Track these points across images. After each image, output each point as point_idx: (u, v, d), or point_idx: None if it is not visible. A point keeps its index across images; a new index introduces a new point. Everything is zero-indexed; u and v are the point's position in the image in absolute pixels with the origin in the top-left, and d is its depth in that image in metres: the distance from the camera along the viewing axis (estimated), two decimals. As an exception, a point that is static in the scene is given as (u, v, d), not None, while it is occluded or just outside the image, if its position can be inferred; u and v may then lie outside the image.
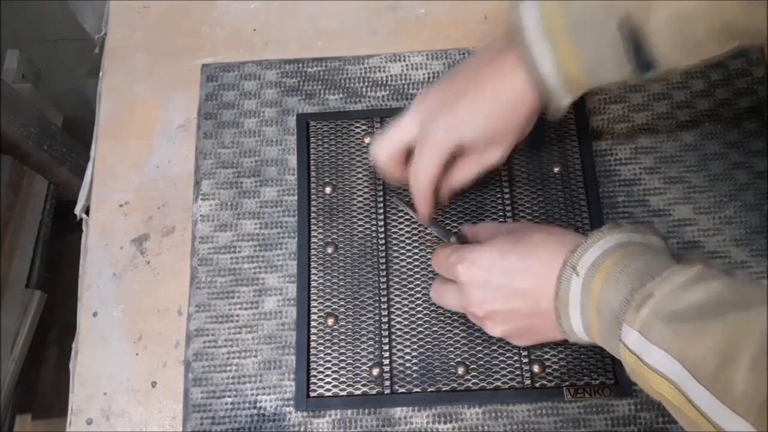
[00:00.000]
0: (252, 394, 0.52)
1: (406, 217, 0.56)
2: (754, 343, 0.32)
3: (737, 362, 0.32)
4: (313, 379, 0.52)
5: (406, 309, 0.53)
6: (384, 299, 0.53)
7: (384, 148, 0.49)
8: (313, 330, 0.53)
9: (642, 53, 0.40)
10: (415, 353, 0.52)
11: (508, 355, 0.51)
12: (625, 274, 0.38)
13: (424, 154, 0.47)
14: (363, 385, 0.52)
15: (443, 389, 0.51)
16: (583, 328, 0.41)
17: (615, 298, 0.38)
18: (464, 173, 0.49)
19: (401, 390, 0.51)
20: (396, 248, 0.55)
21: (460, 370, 0.51)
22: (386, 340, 0.52)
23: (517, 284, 0.43)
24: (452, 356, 0.52)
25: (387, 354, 0.52)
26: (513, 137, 0.47)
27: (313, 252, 0.55)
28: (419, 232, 0.55)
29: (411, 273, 0.54)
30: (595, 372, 0.51)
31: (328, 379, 0.52)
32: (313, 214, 0.56)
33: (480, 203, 0.55)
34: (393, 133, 0.48)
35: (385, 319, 0.53)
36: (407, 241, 0.55)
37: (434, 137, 0.46)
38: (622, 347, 0.37)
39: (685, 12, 0.39)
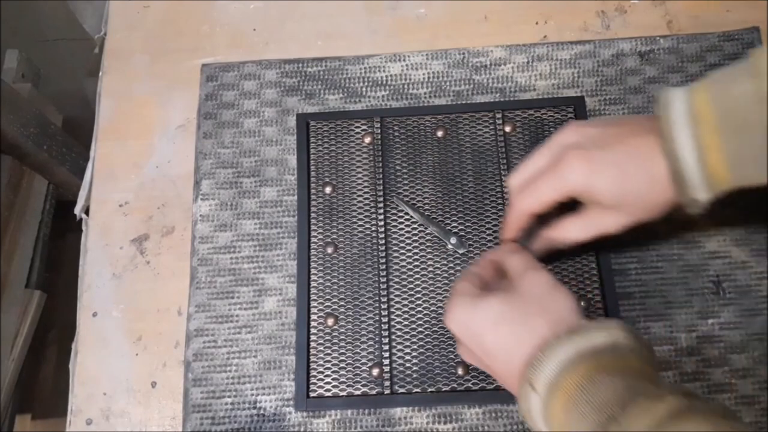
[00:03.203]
0: (252, 394, 0.52)
1: (406, 217, 0.56)
2: None
3: None
4: (313, 380, 0.52)
5: (406, 309, 0.53)
6: (384, 299, 0.53)
7: (517, 176, 0.46)
8: (313, 330, 0.53)
9: None
10: (415, 353, 0.52)
11: (508, 355, 0.51)
12: (589, 406, 0.35)
13: (542, 181, 0.44)
14: (363, 386, 0.51)
15: (443, 389, 0.51)
16: None
17: None
18: (573, 231, 0.46)
19: (401, 390, 0.51)
20: (396, 248, 0.55)
21: (460, 370, 0.51)
22: (386, 340, 0.52)
23: (488, 363, 0.42)
24: (452, 356, 0.52)
25: (387, 354, 0.52)
26: (644, 211, 0.43)
27: (313, 252, 0.55)
28: (419, 232, 0.55)
29: (411, 273, 0.54)
30: (595, 372, 0.51)
31: (328, 380, 0.52)
32: (313, 214, 0.56)
33: (480, 202, 0.55)
34: (527, 163, 0.46)
35: (385, 319, 0.53)
36: (407, 241, 0.55)
37: (562, 171, 0.43)
38: None
39: None
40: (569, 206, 0.46)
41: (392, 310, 0.53)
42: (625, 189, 0.42)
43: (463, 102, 0.59)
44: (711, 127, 0.39)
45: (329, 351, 0.52)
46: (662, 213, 0.44)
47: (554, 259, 0.53)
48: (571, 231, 0.46)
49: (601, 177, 0.42)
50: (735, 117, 0.38)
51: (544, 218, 0.47)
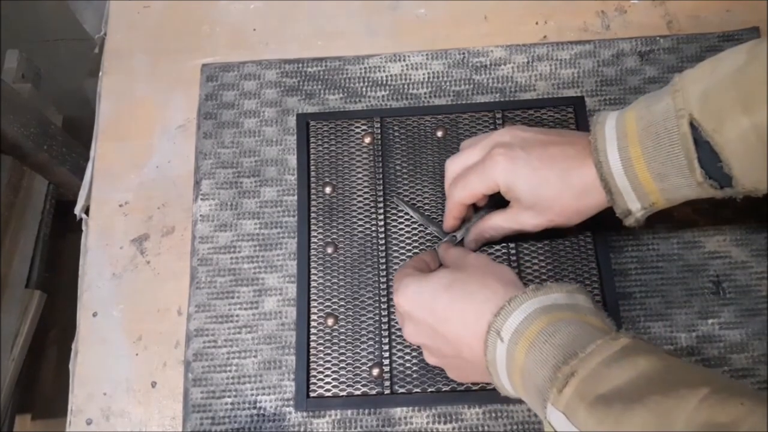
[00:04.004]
0: (252, 395, 0.52)
1: (406, 217, 0.56)
2: None
3: None
4: (313, 380, 0.52)
5: (406, 309, 0.53)
6: (384, 299, 0.53)
7: (453, 165, 0.50)
8: (313, 330, 0.53)
9: (715, 167, 0.40)
10: (415, 353, 0.52)
11: (508, 355, 0.51)
12: (549, 346, 0.38)
13: (470, 176, 0.48)
14: (363, 386, 0.51)
15: (443, 389, 0.51)
16: (512, 389, 0.41)
17: (539, 372, 0.38)
18: (496, 223, 0.49)
19: (401, 390, 0.51)
20: (396, 248, 0.55)
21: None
22: (386, 340, 0.52)
23: (442, 329, 0.43)
24: (452, 356, 0.52)
25: (387, 354, 0.52)
26: (557, 215, 0.46)
27: (313, 252, 0.55)
28: (419, 232, 0.55)
29: (411, 273, 0.54)
30: (595, 372, 0.51)
31: (328, 380, 0.52)
32: (313, 214, 0.56)
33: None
34: (464, 154, 0.49)
35: (385, 319, 0.53)
36: (407, 241, 0.55)
37: (487, 166, 0.47)
38: (548, 425, 0.37)
39: (763, 128, 0.37)
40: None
41: (392, 310, 0.53)
42: (538, 190, 0.46)
43: (463, 102, 0.59)
44: (634, 140, 0.42)
45: (329, 351, 0.52)
46: (580, 220, 0.47)
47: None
48: (494, 223, 0.50)
49: (518, 176, 0.46)
50: (654, 129, 0.41)
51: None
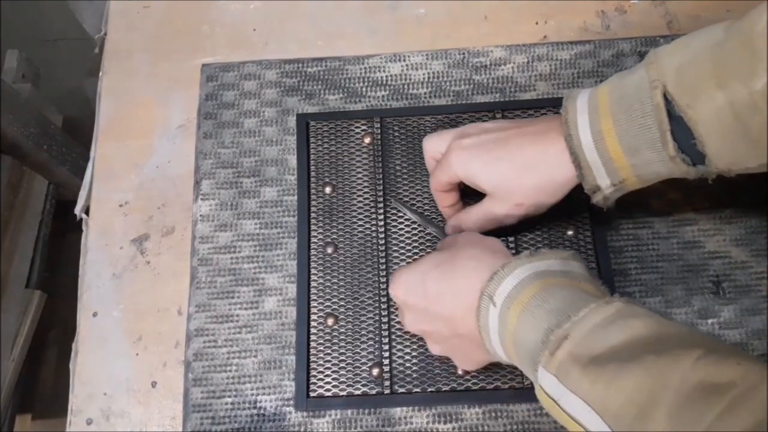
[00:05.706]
0: (252, 394, 0.52)
1: (406, 217, 0.56)
2: (670, 394, 0.31)
3: (654, 415, 0.31)
4: (313, 379, 0.52)
5: (406, 309, 0.53)
6: (384, 299, 0.53)
7: (427, 146, 0.51)
8: (313, 330, 0.53)
9: (688, 144, 0.39)
10: (415, 353, 0.52)
11: (508, 355, 0.51)
12: (542, 310, 0.37)
13: (436, 169, 0.50)
14: (363, 385, 0.52)
15: (443, 389, 0.51)
16: (505, 356, 0.41)
17: (531, 336, 0.37)
18: (472, 214, 0.49)
19: (401, 390, 0.51)
20: (396, 248, 0.55)
21: (460, 370, 0.51)
22: (386, 340, 0.52)
23: (436, 309, 0.43)
24: (452, 356, 0.52)
25: (387, 354, 0.52)
26: (522, 198, 0.46)
27: (313, 252, 0.55)
28: (419, 232, 0.55)
29: (411, 273, 0.54)
30: (595, 372, 0.51)
31: (328, 379, 0.52)
32: (313, 214, 0.56)
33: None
34: (436, 139, 0.50)
35: (385, 319, 0.53)
36: (407, 241, 0.55)
37: (444, 162, 0.48)
38: (539, 389, 0.37)
39: (739, 104, 0.37)
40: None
41: (392, 310, 0.53)
42: (495, 174, 0.46)
43: (463, 102, 0.59)
44: (606, 111, 0.41)
45: (329, 351, 0.52)
46: (551, 201, 0.46)
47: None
48: (471, 215, 0.49)
49: (475, 165, 0.46)
50: (627, 101, 0.41)
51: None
